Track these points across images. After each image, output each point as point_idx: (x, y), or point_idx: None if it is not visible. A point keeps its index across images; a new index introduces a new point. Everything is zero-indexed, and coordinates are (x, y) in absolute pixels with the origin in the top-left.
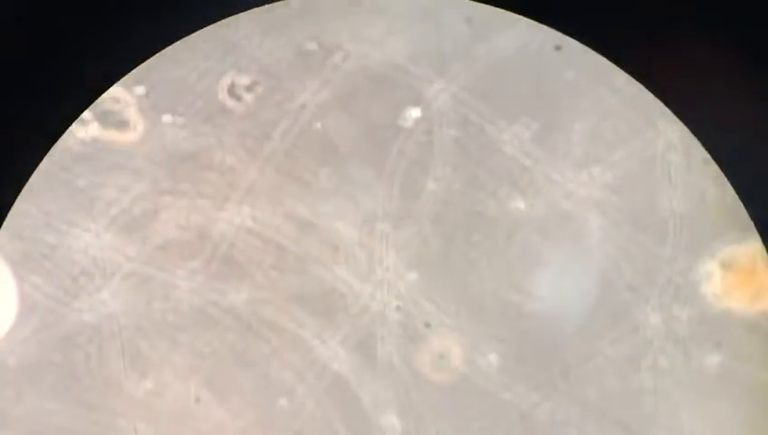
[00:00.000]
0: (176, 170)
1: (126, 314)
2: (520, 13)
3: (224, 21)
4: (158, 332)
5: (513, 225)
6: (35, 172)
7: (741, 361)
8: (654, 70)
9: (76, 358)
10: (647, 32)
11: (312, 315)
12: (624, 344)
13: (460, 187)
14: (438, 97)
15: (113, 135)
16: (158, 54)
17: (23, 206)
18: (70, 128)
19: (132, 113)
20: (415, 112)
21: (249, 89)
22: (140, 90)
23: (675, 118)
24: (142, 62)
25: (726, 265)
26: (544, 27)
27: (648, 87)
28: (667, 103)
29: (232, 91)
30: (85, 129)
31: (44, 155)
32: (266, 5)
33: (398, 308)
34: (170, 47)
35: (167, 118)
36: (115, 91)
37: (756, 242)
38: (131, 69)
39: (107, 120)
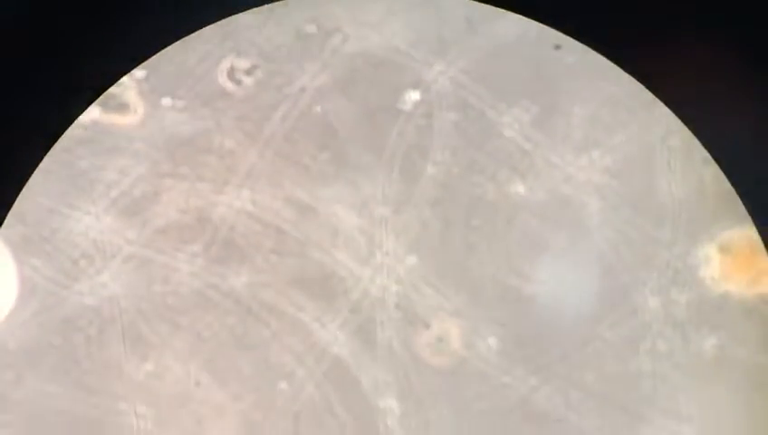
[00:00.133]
0: (175, 154)
1: (126, 297)
2: (520, 12)
3: (223, 21)
4: (158, 315)
5: (512, 209)
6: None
7: (739, 344)
8: (654, 70)
9: (76, 341)
10: (647, 32)
11: (312, 299)
12: (623, 328)
13: (460, 170)
14: (438, 80)
15: (113, 118)
16: (157, 54)
17: (24, 191)
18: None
19: (132, 96)
20: (414, 96)
21: (248, 72)
22: (140, 73)
23: (675, 118)
24: (142, 62)
25: (725, 249)
26: (544, 27)
27: (648, 87)
28: (667, 103)
29: (231, 74)
30: (86, 112)
31: (44, 155)
32: (266, 5)
33: (397, 292)
34: (170, 47)
35: (166, 101)
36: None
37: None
38: (131, 69)
39: (107, 103)
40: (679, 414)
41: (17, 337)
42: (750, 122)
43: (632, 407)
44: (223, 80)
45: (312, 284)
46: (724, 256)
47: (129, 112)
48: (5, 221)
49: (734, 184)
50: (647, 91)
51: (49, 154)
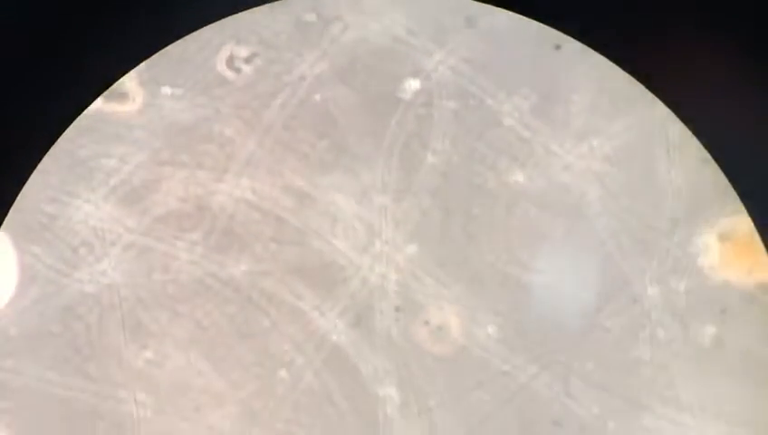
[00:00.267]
0: (175, 142)
1: (126, 285)
2: (520, 12)
3: (223, 20)
4: (158, 303)
5: (512, 197)
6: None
7: (738, 333)
8: (654, 70)
9: (76, 329)
10: (647, 32)
11: (311, 287)
12: (622, 316)
13: (459, 159)
14: (438, 69)
15: (113, 106)
16: (156, 54)
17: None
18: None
19: (131, 85)
20: (414, 84)
21: (248, 61)
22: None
23: (675, 118)
24: (141, 62)
25: (724, 237)
26: (544, 27)
27: (648, 87)
28: (667, 103)
29: (230, 62)
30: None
31: (44, 155)
32: (266, 5)
33: (397, 280)
34: (170, 46)
35: (165, 90)
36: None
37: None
38: (130, 69)
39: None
40: (679, 402)
41: (17, 325)
42: (750, 122)
43: (632, 395)
44: (222, 68)
45: (311, 272)
46: (723, 245)
47: (129, 101)
48: (8, 215)
49: (734, 184)
50: (647, 91)
51: (48, 154)
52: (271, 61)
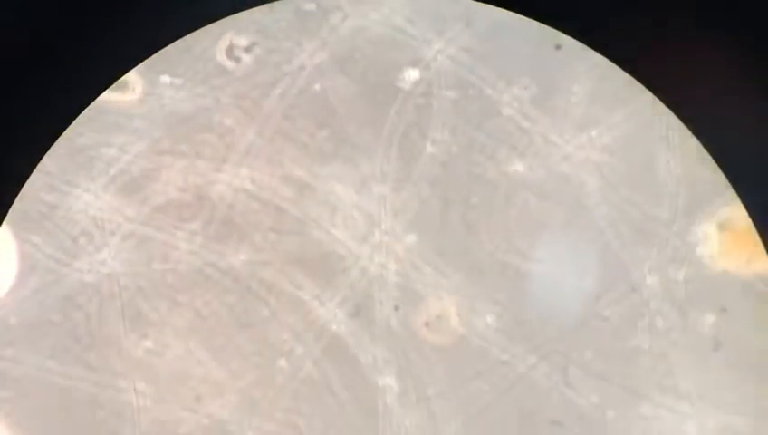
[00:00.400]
0: (174, 131)
1: (126, 275)
2: (520, 12)
3: (223, 20)
4: (157, 292)
5: (511, 187)
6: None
7: (737, 322)
8: (654, 70)
9: (76, 318)
10: (647, 32)
11: (311, 277)
12: (621, 306)
13: (459, 149)
14: (437, 58)
15: (113, 96)
16: (156, 54)
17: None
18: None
19: (131, 74)
20: (413, 74)
21: (247, 50)
22: None
23: (675, 118)
24: (141, 61)
25: (723, 227)
26: (544, 27)
27: (648, 87)
28: (667, 103)
29: (230, 52)
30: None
31: (44, 155)
32: (266, 5)
33: (396, 270)
34: (169, 46)
35: (165, 79)
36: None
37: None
38: (129, 69)
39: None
40: (677, 391)
41: (17, 314)
42: (750, 122)
43: (631, 384)
44: (221, 57)
45: (310, 262)
46: (722, 234)
47: (128, 90)
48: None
49: (734, 184)
50: (647, 91)
51: (47, 154)
52: (270, 50)
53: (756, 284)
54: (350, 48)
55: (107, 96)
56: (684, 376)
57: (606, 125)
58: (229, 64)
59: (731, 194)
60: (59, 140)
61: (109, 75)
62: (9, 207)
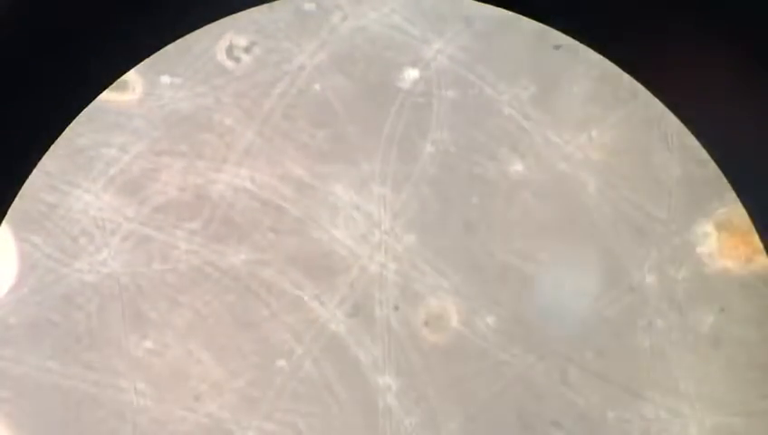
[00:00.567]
0: (174, 131)
1: (126, 275)
2: (520, 12)
3: (222, 20)
4: (157, 292)
5: (511, 187)
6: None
7: (735, 321)
8: (653, 70)
9: (76, 318)
10: (646, 32)
11: (311, 277)
12: (621, 305)
13: (458, 149)
14: (437, 58)
15: (112, 96)
16: (156, 54)
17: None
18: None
19: (131, 74)
20: (413, 74)
21: (247, 50)
22: None
23: (674, 118)
24: (140, 61)
25: (721, 227)
26: (544, 27)
27: (647, 87)
28: (666, 104)
29: (230, 52)
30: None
31: (44, 155)
32: (266, 4)
33: (396, 270)
34: (169, 46)
35: (165, 79)
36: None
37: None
38: (129, 69)
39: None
40: (677, 390)
41: (17, 314)
42: (750, 122)
43: (630, 383)
44: (221, 57)
45: (310, 262)
46: (720, 233)
47: (128, 90)
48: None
49: (733, 184)
50: (647, 92)
51: (47, 154)
52: (270, 50)
53: (755, 283)
54: (349, 48)
55: (107, 96)
56: (683, 375)
57: (605, 125)
58: (229, 64)
59: (730, 194)
60: (59, 140)
61: (109, 75)
62: (9, 206)
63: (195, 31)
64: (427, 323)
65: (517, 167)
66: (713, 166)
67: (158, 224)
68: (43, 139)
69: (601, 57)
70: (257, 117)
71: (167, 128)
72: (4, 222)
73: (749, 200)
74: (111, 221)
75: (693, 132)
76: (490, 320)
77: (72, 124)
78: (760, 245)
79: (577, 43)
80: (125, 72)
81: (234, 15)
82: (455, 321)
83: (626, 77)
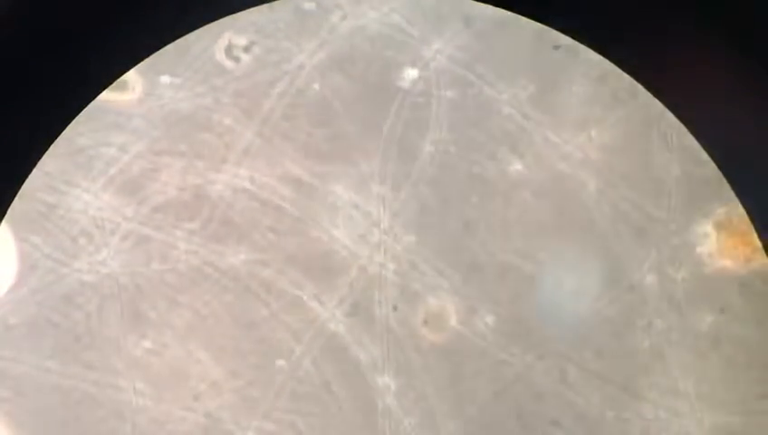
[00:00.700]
0: (173, 131)
1: (125, 275)
2: (519, 12)
3: (222, 20)
4: (156, 292)
5: (510, 187)
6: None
7: (735, 320)
8: (653, 70)
9: (76, 318)
10: (647, 32)
11: (310, 277)
12: (620, 305)
13: (458, 148)
14: (436, 58)
15: (112, 95)
16: (156, 54)
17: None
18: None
19: (131, 74)
20: (413, 73)
21: (246, 49)
22: None
23: (673, 118)
24: (140, 61)
25: (721, 226)
26: (544, 27)
27: (646, 87)
28: (665, 103)
29: (229, 51)
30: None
31: (44, 155)
32: (265, 4)
33: (395, 270)
34: (169, 46)
35: (165, 78)
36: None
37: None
38: (128, 69)
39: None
40: (676, 390)
41: (16, 314)
42: (750, 122)
43: (629, 383)
44: (221, 57)
45: (309, 262)
46: (720, 233)
47: (128, 90)
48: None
49: (733, 184)
50: (647, 92)
51: (47, 154)
52: (269, 50)
53: (755, 283)
54: (349, 48)
55: (106, 96)
56: (683, 375)
57: (605, 125)
58: (228, 64)
59: (729, 194)
60: (58, 139)
61: (108, 75)
62: (9, 206)
63: (194, 31)
64: (426, 323)
65: (517, 166)
66: (712, 166)
67: (158, 224)
68: (43, 138)
69: (601, 57)
70: (257, 117)
71: (166, 128)
72: (3, 222)
73: (748, 200)
74: (111, 221)
75: (693, 132)
76: (489, 320)
77: (71, 124)
78: (759, 244)
79: (577, 43)
80: (125, 72)
81: (233, 15)
82: (454, 320)
83: (626, 77)
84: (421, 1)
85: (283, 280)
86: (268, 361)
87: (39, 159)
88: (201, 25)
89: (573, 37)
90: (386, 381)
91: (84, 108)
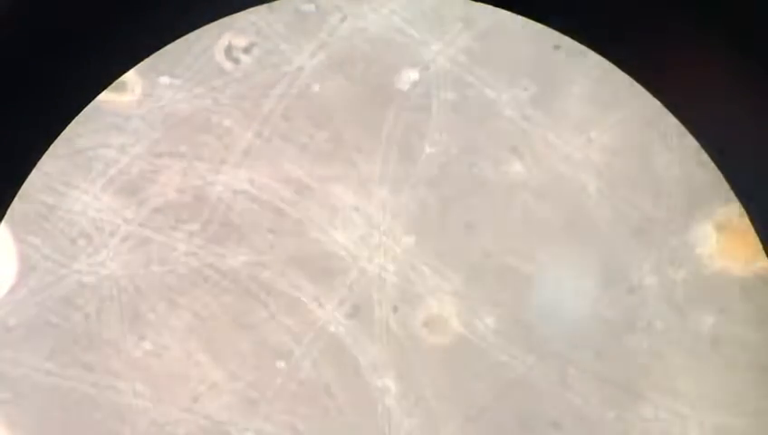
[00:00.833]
0: (173, 133)
1: (124, 276)
2: (519, 13)
3: (221, 21)
4: (156, 294)
5: (510, 188)
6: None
7: (735, 321)
8: (653, 71)
9: (75, 319)
10: (645, 33)
11: (310, 279)
12: (620, 306)
13: (458, 150)
14: (436, 60)
15: (111, 96)
16: (155, 54)
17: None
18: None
19: (130, 75)
20: (413, 75)
21: (246, 51)
22: None
23: (673, 118)
24: (139, 62)
25: (721, 227)
26: (544, 27)
27: (646, 88)
28: (665, 104)
29: (229, 52)
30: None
31: (43, 156)
32: (265, 5)
33: (395, 271)
34: (169, 46)
35: (164, 80)
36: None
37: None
38: (128, 70)
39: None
40: (676, 391)
41: (16, 315)
42: (750, 122)
43: (629, 384)
44: (220, 58)
45: (309, 263)
46: (720, 234)
47: (127, 91)
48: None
49: (733, 185)
50: (646, 92)
51: (46, 155)
52: (269, 51)
53: (755, 283)
54: (349, 49)
55: (106, 97)
56: (683, 376)
57: (605, 126)
58: (228, 65)
59: (729, 194)
60: (58, 141)
61: (108, 76)
62: (8, 207)
63: (194, 32)
64: (426, 325)
65: (517, 168)
66: (712, 166)
67: (157, 225)
68: (42, 139)
69: (601, 57)
70: (256, 118)
71: (166, 129)
72: (3, 223)
73: (748, 201)
74: (110, 222)
75: (693, 133)
76: (489, 321)
77: (71, 125)
78: (759, 245)
79: (577, 43)
80: (124, 73)
81: (233, 16)
82: (454, 322)
83: (626, 77)
84: (421, 2)
85: (282, 282)
86: (268, 362)
87: (38, 159)
88: (201, 26)
89: (573, 37)
90: (386, 382)
91: (84, 109)
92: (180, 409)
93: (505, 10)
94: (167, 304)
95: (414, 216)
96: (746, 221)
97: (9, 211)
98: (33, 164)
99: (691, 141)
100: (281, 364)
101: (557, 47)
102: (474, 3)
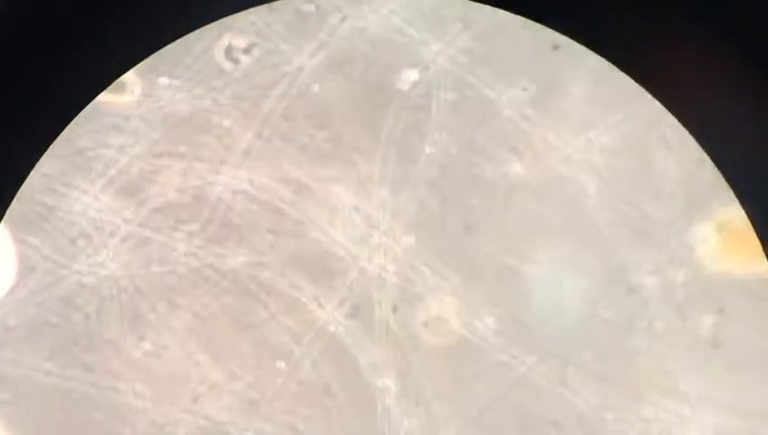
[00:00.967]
0: (172, 133)
1: (124, 276)
2: (519, 13)
3: (221, 21)
4: (156, 294)
5: (510, 188)
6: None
7: (735, 323)
8: (654, 70)
9: (75, 320)
10: (647, 32)
11: (310, 279)
12: (620, 307)
13: (457, 150)
14: (436, 60)
15: (111, 97)
16: (155, 55)
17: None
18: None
19: (130, 76)
20: (412, 75)
21: (246, 51)
22: None
23: (673, 119)
24: (139, 62)
25: (721, 228)
26: (544, 27)
27: (647, 88)
28: (665, 105)
29: (229, 53)
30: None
31: (42, 156)
32: (265, 5)
33: (395, 271)
34: (168, 47)
35: (163, 80)
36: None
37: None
38: (127, 70)
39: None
40: (676, 393)
41: (16, 316)
42: (750, 122)
43: (629, 385)
44: (220, 58)
45: (309, 263)
46: (721, 235)
47: (127, 91)
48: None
49: (733, 185)
50: (646, 92)
51: (45, 155)
52: (269, 51)
53: (755, 284)
54: (348, 49)
55: (105, 97)
56: (683, 377)
57: (605, 126)
58: (228, 65)
59: (729, 195)
60: (57, 141)
61: (107, 76)
62: (7, 208)
63: (193, 32)
64: (426, 325)
65: (516, 168)
66: (712, 167)
67: (157, 226)
68: (42, 140)
69: (601, 57)
70: (256, 118)
71: (165, 129)
72: (2, 223)
73: (749, 201)
74: (110, 223)
75: (693, 133)
76: (489, 321)
77: (70, 125)
78: (759, 246)
79: (577, 43)
80: (123, 74)
81: (232, 16)
82: (454, 322)
83: (626, 77)
84: (421, 3)
85: (282, 282)
86: (268, 363)
87: (38, 160)
88: (200, 26)
89: (573, 37)
90: (386, 382)
91: (83, 109)
92: (180, 409)
93: (505, 10)
94: (167, 305)
95: (414, 216)
96: (746, 222)
97: (8, 212)
98: (32, 165)
99: (691, 141)
100: (281, 364)
101: (556, 47)
102: (473, 3)
